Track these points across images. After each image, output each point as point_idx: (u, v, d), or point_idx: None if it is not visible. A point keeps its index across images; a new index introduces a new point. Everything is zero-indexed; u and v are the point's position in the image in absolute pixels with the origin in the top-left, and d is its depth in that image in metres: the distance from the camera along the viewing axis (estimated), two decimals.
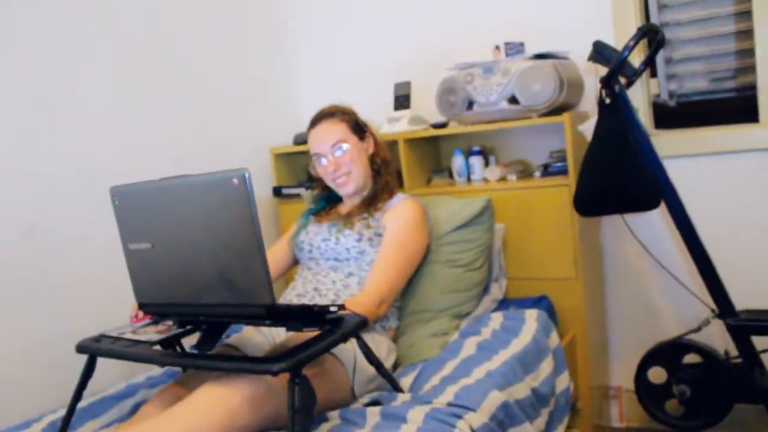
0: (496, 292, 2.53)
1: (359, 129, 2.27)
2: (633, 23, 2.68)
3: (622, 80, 2.35)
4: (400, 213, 2.21)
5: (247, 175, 1.39)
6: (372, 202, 2.26)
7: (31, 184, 2.28)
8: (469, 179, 2.89)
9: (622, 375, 2.89)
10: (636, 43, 2.23)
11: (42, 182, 2.31)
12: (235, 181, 1.40)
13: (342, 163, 2.21)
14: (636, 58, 2.53)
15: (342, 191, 2.28)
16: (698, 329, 2.43)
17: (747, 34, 2.64)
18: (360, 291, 2.08)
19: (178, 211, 1.55)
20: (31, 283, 2.26)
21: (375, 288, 2.03)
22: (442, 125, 2.82)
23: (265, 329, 2.07)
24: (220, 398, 1.54)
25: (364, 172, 2.25)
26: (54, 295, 2.32)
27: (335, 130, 2.22)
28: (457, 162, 2.89)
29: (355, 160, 2.22)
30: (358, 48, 3.33)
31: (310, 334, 1.57)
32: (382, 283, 2.05)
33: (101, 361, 1.78)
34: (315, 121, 2.27)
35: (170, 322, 1.83)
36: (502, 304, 2.54)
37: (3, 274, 2.19)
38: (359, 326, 1.65)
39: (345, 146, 2.21)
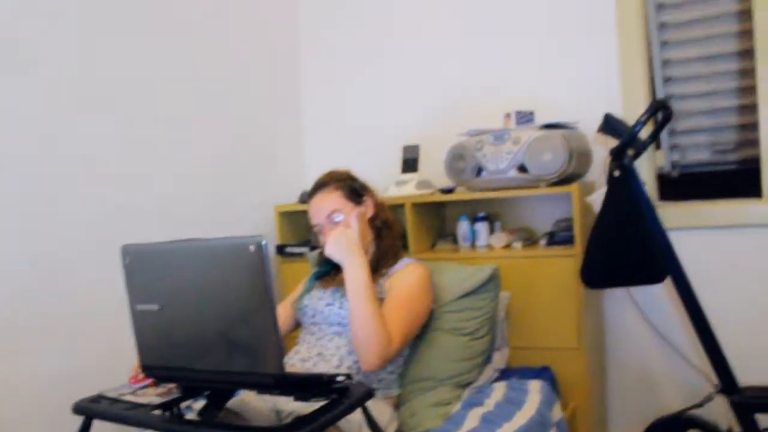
0: (499, 361, 2.50)
1: (355, 194, 2.27)
2: (641, 95, 2.72)
3: (630, 153, 2.36)
4: (405, 275, 2.19)
5: (264, 242, 1.37)
6: (376, 266, 2.23)
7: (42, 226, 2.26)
8: (473, 245, 2.88)
9: None
10: (648, 118, 2.24)
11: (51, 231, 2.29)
12: (252, 248, 1.38)
13: None
14: (643, 131, 2.55)
15: None
16: (701, 405, 2.40)
17: (751, 108, 2.68)
18: None
19: (190, 275, 1.53)
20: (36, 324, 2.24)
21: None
22: (450, 190, 2.82)
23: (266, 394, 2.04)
24: None
25: (361, 238, 2.21)
26: (56, 339, 2.29)
27: (329, 200, 2.23)
28: (463, 228, 2.88)
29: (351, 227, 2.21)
30: (367, 109, 3.35)
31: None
32: (391, 321, 2.02)
33: (98, 422, 1.72)
34: (311, 193, 2.28)
35: (171, 385, 1.79)
36: (504, 374, 2.50)
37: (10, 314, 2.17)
38: (365, 397, 1.62)
39: (340, 217, 2.21)
